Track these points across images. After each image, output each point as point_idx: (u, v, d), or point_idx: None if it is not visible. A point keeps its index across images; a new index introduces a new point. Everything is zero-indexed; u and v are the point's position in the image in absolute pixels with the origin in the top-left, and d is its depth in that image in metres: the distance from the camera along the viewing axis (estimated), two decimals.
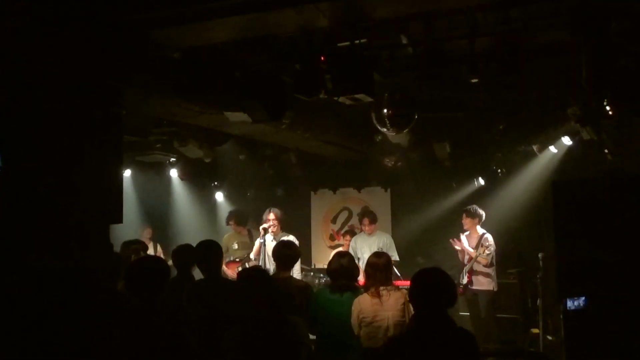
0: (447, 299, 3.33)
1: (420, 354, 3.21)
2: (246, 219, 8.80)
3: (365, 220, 8.51)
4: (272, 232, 7.60)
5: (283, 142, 8.70)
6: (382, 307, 4.53)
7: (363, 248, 8.23)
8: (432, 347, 3.20)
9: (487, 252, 7.77)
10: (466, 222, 8.15)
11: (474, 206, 8.26)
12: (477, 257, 7.82)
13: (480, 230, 8.11)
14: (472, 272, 7.98)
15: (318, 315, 4.76)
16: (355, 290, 4.88)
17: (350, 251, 8.37)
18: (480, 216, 8.14)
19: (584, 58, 4.66)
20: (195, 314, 4.52)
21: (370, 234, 8.48)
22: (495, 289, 8.03)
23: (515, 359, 7.21)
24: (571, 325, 5.42)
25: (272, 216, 7.64)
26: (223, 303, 4.49)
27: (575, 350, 5.43)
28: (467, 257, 8.08)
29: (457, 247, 8.13)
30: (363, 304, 4.59)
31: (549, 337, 7.57)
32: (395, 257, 8.27)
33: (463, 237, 8.26)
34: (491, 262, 7.89)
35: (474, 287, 8.00)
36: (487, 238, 8.00)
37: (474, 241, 8.07)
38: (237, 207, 9.25)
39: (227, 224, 8.78)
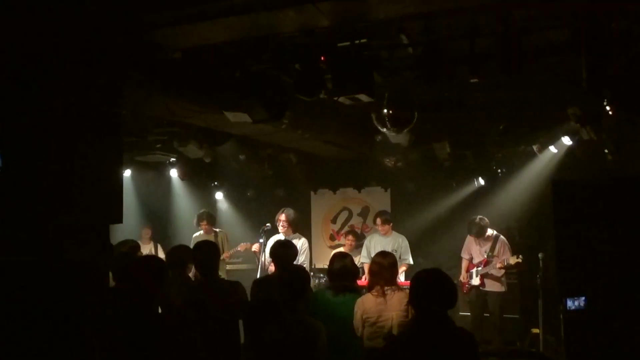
0: (447, 300, 3.33)
1: (421, 354, 3.21)
2: (215, 220, 9.11)
3: (378, 220, 8.45)
4: (282, 232, 7.65)
5: (283, 142, 8.70)
6: (386, 307, 4.52)
7: (377, 248, 8.16)
8: (433, 348, 3.21)
9: (512, 261, 7.77)
10: (480, 238, 8.10)
11: (478, 218, 8.17)
12: (505, 263, 7.78)
13: (490, 231, 8.10)
14: (485, 274, 7.97)
15: (318, 316, 4.75)
16: (357, 292, 4.88)
17: (364, 250, 8.38)
18: (487, 225, 8.11)
19: (584, 58, 4.66)
20: (191, 314, 4.53)
21: (385, 234, 8.38)
22: (506, 290, 8.04)
23: (515, 359, 7.21)
24: (571, 325, 5.42)
25: (282, 217, 7.70)
26: (219, 303, 4.51)
27: (575, 350, 5.44)
28: (477, 259, 8.06)
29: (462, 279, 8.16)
30: (367, 303, 4.58)
31: (549, 337, 7.58)
32: (409, 260, 8.23)
33: (469, 238, 8.25)
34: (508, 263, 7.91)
35: (485, 289, 8.00)
36: (505, 241, 8.00)
37: (488, 243, 8.05)
38: (205, 209, 9.34)
39: (198, 225, 8.96)
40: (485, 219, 8.16)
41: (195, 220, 9.08)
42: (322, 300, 4.85)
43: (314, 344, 3.77)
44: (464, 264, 8.25)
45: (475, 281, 7.99)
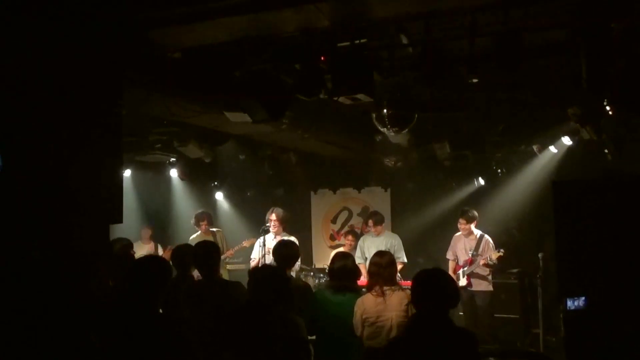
0: (449, 300, 3.34)
1: (422, 354, 3.21)
2: (212, 220, 9.03)
3: (370, 222, 8.51)
4: (273, 232, 7.66)
5: (283, 142, 8.70)
6: (385, 307, 4.52)
7: (371, 248, 8.18)
8: (434, 347, 3.21)
9: (493, 256, 7.75)
10: (466, 227, 8.09)
11: (467, 209, 8.22)
12: (488, 260, 7.77)
13: (476, 231, 8.10)
14: (471, 274, 7.97)
15: (318, 315, 4.76)
16: (357, 291, 4.88)
17: (358, 251, 8.40)
18: (476, 217, 8.13)
19: (584, 58, 4.66)
20: (192, 313, 4.54)
21: (378, 234, 8.46)
22: (493, 289, 8.02)
23: (515, 359, 7.21)
24: (571, 325, 5.41)
25: (273, 216, 7.73)
26: (220, 303, 4.52)
27: (575, 350, 5.42)
28: (462, 259, 8.07)
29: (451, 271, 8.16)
30: (367, 303, 4.58)
31: (549, 337, 7.58)
32: (402, 258, 8.29)
33: (456, 237, 8.25)
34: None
35: (472, 289, 8.00)
36: (489, 240, 7.99)
37: (472, 242, 8.04)
38: (204, 210, 9.30)
39: (198, 225, 8.87)
40: (475, 212, 8.17)
41: (193, 221, 8.98)
42: (322, 299, 4.85)
43: (300, 340, 3.77)
44: (451, 266, 8.24)
45: (463, 282, 7.97)
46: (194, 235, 8.72)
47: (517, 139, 8.36)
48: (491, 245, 7.94)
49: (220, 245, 8.53)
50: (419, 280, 3.43)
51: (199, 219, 8.90)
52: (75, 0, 4.16)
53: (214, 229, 9.01)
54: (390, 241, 8.36)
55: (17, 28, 3.79)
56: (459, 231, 8.25)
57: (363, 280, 5.54)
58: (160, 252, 9.13)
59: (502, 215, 8.85)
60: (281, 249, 5.41)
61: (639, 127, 7.21)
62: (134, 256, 5.53)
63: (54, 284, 3.82)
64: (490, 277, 7.99)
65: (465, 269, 7.98)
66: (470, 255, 7.99)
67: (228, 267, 9.05)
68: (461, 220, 8.10)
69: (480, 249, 7.93)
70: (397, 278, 6.00)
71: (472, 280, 7.96)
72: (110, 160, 4.46)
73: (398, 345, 3.43)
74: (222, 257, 8.36)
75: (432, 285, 3.36)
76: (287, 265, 5.29)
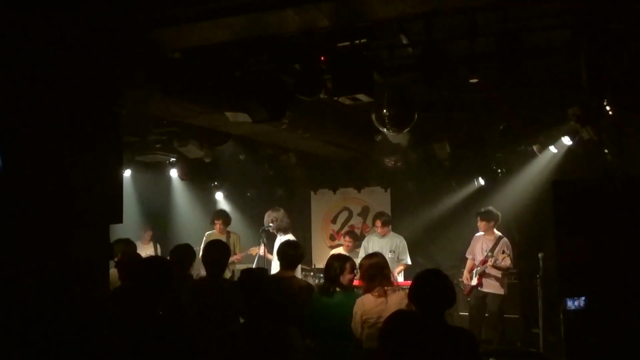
0: (446, 300, 3.35)
1: (421, 353, 3.22)
2: (230, 222, 8.91)
3: (378, 222, 8.47)
4: (273, 232, 7.67)
5: (283, 142, 8.70)
6: (386, 307, 4.50)
7: (375, 248, 8.16)
8: (432, 347, 3.21)
9: (507, 259, 7.72)
10: (481, 225, 8.08)
11: (489, 208, 8.18)
12: (494, 262, 7.76)
13: (497, 232, 8.08)
14: (483, 274, 7.96)
15: (314, 318, 4.74)
16: (351, 290, 4.87)
17: (362, 251, 8.36)
18: (496, 217, 8.08)
19: (584, 58, 4.66)
20: (193, 312, 4.54)
21: (383, 235, 8.42)
22: (505, 293, 8.00)
23: (515, 359, 7.21)
24: (571, 325, 5.42)
25: (265, 218, 7.71)
26: (221, 302, 4.53)
27: (575, 350, 5.44)
28: (478, 259, 8.06)
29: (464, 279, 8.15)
30: (367, 304, 4.56)
31: (549, 337, 7.57)
32: (406, 260, 8.26)
33: (476, 237, 8.23)
34: (508, 266, 7.86)
35: (483, 290, 7.99)
36: (506, 243, 7.96)
37: (490, 243, 8.03)
38: (221, 209, 9.23)
39: (213, 223, 8.79)
40: (494, 212, 8.16)
41: (211, 218, 8.89)
42: (316, 301, 4.85)
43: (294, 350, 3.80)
44: (468, 264, 8.24)
45: (474, 281, 7.98)
46: (210, 232, 8.65)
47: (517, 139, 8.35)
48: (505, 248, 7.90)
49: (232, 247, 8.53)
50: (417, 280, 3.45)
51: (214, 217, 8.80)
52: (75, 1, 4.16)
53: (230, 231, 8.84)
54: (395, 242, 8.31)
55: (16, 29, 3.79)
56: (478, 231, 8.22)
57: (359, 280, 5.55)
58: (160, 252, 9.12)
59: (502, 215, 8.82)
60: (286, 250, 5.39)
61: (639, 127, 7.21)
62: (138, 257, 5.52)
63: (53, 283, 3.82)
64: (504, 280, 7.95)
65: (478, 268, 7.98)
66: (484, 255, 7.99)
67: (237, 266, 8.95)
68: (477, 219, 8.10)
69: (496, 251, 7.92)
70: (398, 278, 6.02)
71: (484, 280, 7.94)
72: (110, 161, 4.46)
73: (396, 344, 3.43)
74: (229, 259, 8.37)
75: (430, 285, 3.37)
76: (290, 266, 5.28)
